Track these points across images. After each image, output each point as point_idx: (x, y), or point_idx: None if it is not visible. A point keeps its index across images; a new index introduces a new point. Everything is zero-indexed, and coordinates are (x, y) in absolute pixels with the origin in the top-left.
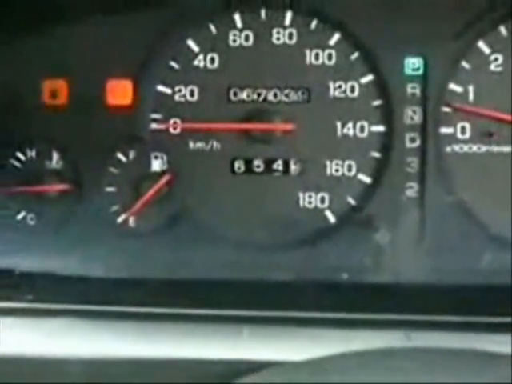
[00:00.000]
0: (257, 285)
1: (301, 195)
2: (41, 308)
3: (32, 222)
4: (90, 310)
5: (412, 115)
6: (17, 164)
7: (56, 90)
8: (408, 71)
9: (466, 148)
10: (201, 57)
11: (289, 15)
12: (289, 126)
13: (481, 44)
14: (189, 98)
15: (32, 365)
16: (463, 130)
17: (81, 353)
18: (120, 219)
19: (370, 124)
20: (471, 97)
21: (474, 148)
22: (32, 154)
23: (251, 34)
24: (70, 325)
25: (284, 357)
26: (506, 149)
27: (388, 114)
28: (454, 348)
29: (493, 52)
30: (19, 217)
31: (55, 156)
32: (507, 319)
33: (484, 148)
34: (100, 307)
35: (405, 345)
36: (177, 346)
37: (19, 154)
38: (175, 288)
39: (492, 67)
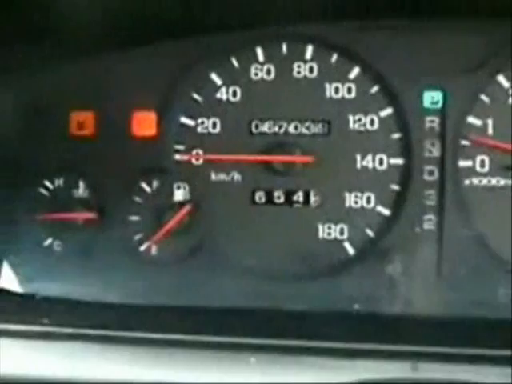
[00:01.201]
0: (274, 314)
1: (320, 226)
2: (58, 332)
3: (58, 249)
4: (107, 335)
5: (431, 148)
6: (45, 192)
7: (83, 122)
8: (427, 104)
9: (484, 181)
10: (223, 90)
11: (310, 49)
12: (309, 158)
13: (500, 78)
14: (211, 129)
15: None
16: (482, 163)
17: (96, 377)
18: (143, 247)
19: (389, 157)
20: (490, 130)
21: (493, 181)
22: (60, 182)
23: (273, 68)
24: (86, 349)
25: None
26: None
27: (407, 147)
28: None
29: None
30: (46, 243)
31: (82, 185)
32: None
33: (503, 181)
34: (116, 332)
35: (411, 376)
36: (192, 372)
37: (47, 183)
38: (192, 315)
39: (511, 101)
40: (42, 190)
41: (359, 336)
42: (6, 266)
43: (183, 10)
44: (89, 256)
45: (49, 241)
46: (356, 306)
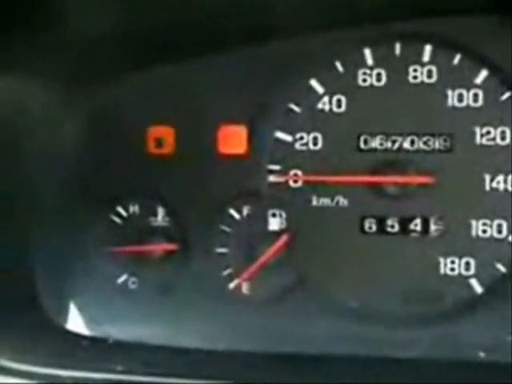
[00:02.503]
0: (382, 363)
1: (441, 260)
2: (133, 381)
3: (133, 286)
4: None
5: None
6: (117, 220)
7: (162, 138)
8: None
9: None
10: (326, 99)
11: (428, 50)
12: (428, 179)
13: None
14: (311, 146)
15: None
16: None
17: None
18: (232, 285)
19: None
20: None
21: None
22: (135, 209)
23: (383, 73)
24: None
25: None
26: None
27: None
28: None
29: None
30: (120, 280)
31: (160, 212)
32: None
33: None
34: (196, 381)
35: None
36: None
37: (120, 209)
38: (285, 363)
39: None
40: (115, 218)
41: None
42: (74, 306)
43: (276, 9)
44: (168, 295)
45: (123, 277)
46: (481, 355)
